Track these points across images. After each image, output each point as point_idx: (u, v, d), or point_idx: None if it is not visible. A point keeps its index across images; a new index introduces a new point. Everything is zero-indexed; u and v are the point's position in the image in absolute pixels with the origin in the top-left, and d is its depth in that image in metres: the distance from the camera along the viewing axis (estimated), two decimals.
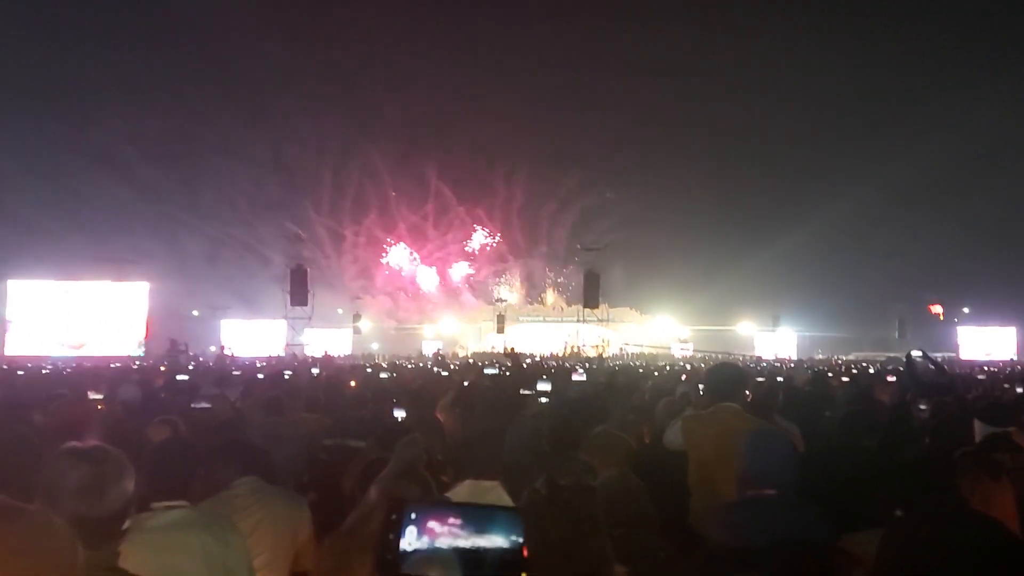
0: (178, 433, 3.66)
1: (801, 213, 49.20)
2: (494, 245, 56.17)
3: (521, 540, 0.97)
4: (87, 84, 45.39)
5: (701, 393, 5.25)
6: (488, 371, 9.61)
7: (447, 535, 0.97)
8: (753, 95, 50.48)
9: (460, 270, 56.11)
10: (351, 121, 50.81)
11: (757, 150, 51.58)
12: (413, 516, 0.97)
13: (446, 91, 53.61)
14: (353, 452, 4.47)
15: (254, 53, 48.05)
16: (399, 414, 4.75)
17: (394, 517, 0.97)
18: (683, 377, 11.40)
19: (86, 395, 5.90)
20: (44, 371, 15.07)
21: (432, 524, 0.97)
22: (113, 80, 45.69)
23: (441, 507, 0.99)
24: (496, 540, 0.97)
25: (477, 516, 0.98)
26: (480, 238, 56.29)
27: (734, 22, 48.19)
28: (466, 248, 56.20)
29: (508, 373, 11.19)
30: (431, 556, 0.96)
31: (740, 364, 14.64)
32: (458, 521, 0.97)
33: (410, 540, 0.97)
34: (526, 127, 52.15)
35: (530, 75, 52.85)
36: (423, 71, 53.50)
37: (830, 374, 15.00)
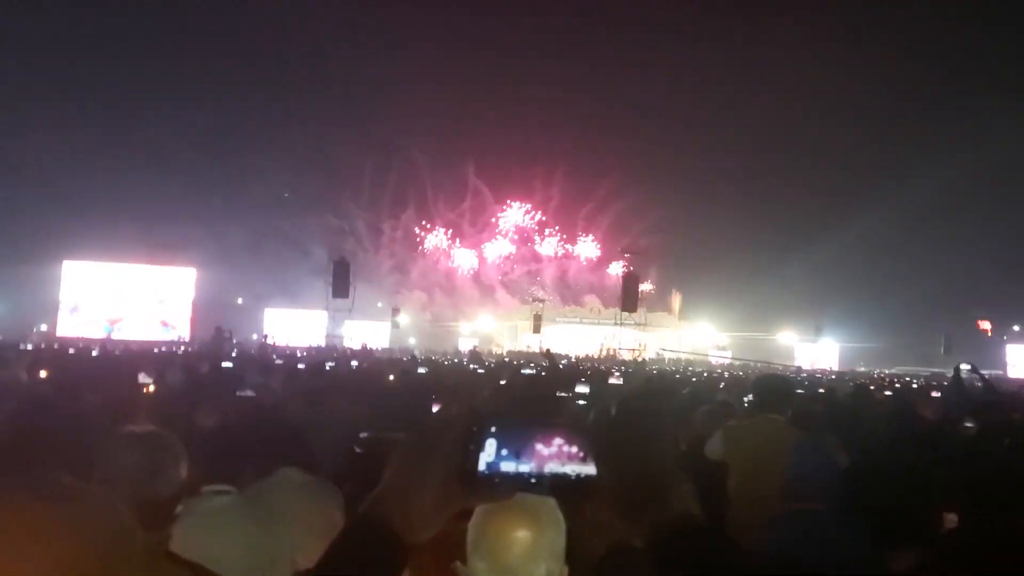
0: (226, 420, 3.73)
1: (846, 219, 48.34)
2: (532, 223, 56.19)
3: (592, 458, 0.99)
4: (141, 83, 47.16)
5: (744, 403, 5.18)
6: (525, 371, 9.60)
7: (526, 449, 0.98)
8: (797, 97, 49.61)
9: (499, 248, 56.00)
10: (392, 118, 51.41)
11: (803, 155, 50.62)
12: (493, 429, 0.98)
13: (485, 91, 53.83)
14: (391, 444, 4.51)
15: (298, 53, 49.10)
16: (435, 408, 4.77)
17: (475, 429, 0.98)
18: (721, 385, 11.25)
19: (136, 378, 6.05)
20: (94, 353, 15.50)
21: (512, 438, 0.98)
22: (164, 78, 47.33)
23: (521, 423, 1.00)
24: (572, 455, 0.98)
25: (554, 433, 1.00)
26: (516, 216, 56.30)
27: (779, 27, 47.38)
28: (500, 227, 56.12)
29: (544, 374, 11.18)
30: (512, 471, 0.97)
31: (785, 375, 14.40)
32: (537, 437, 0.99)
33: (490, 452, 0.98)
34: (565, 128, 52.08)
35: (571, 76, 52.75)
36: (462, 70, 53.84)
37: (872, 387, 14.68)
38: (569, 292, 54.86)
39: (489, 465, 0.97)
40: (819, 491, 2.69)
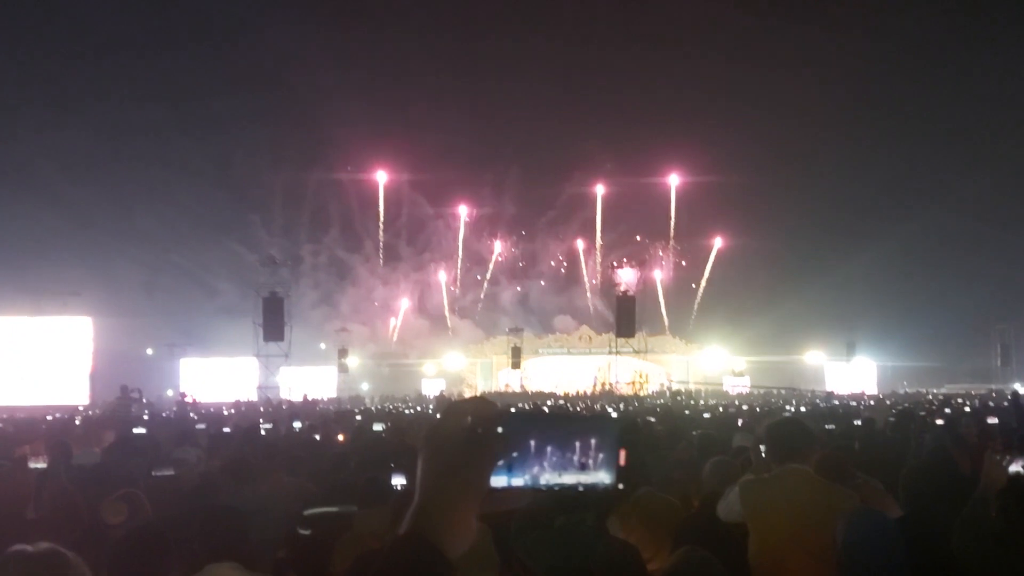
0: (140, 512, 3.72)
1: (882, 222, 49.13)
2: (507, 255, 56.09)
3: (620, 449, 1.12)
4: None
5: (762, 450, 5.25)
6: None
7: (537, 452, 1.10)
8: (823, 91, 50.56)
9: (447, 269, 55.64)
10: (307, 124, 51.00)
11: (829, 150, 51.38)
12: (500, 431, 1.10)
13: (416, 89, 54.00)
14: (341, 522, 4.51)
15: (194, 52, 48.88)
16: (398, 481, 4.79)
17: (480, 431, 1.09)
18: (739, 423, 11.37)
19: (24, 462, 5.97)
20: None
21: (520, 441, 1.10)
22: (33, 85, 46.73)
23: (531, 419, 1.13)
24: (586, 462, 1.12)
25: (569, 427, 1.12)
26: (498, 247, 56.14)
27: (804, 32, 48.51)
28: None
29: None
30: (523, 480, 1.10)
31: (805, 419, 14.68)
32: (549, 436, 1.11)
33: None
34: (527, 119, 52.22)
35: (530, 58, 53.17)
36: (388, 63, 53.99)
37: (922, 413, 14.90)
38: (534, 317, 54.72)
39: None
40: (883, 569, 2.75)
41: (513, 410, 1.12)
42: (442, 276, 55.40)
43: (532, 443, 1.10)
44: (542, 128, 52.21)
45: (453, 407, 1.12)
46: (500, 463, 1.09)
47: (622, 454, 1.12)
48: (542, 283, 56.02)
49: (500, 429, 1.10)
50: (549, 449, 1.10)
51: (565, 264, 56.34)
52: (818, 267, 49.37)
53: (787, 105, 48.14)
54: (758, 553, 3.83)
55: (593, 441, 1.11)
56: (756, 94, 50.29)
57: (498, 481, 1.09)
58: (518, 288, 55.52)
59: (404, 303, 54.28)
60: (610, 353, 40.72)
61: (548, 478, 1.10)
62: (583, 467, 1.11)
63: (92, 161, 46.67)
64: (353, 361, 46.51)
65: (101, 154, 47.25)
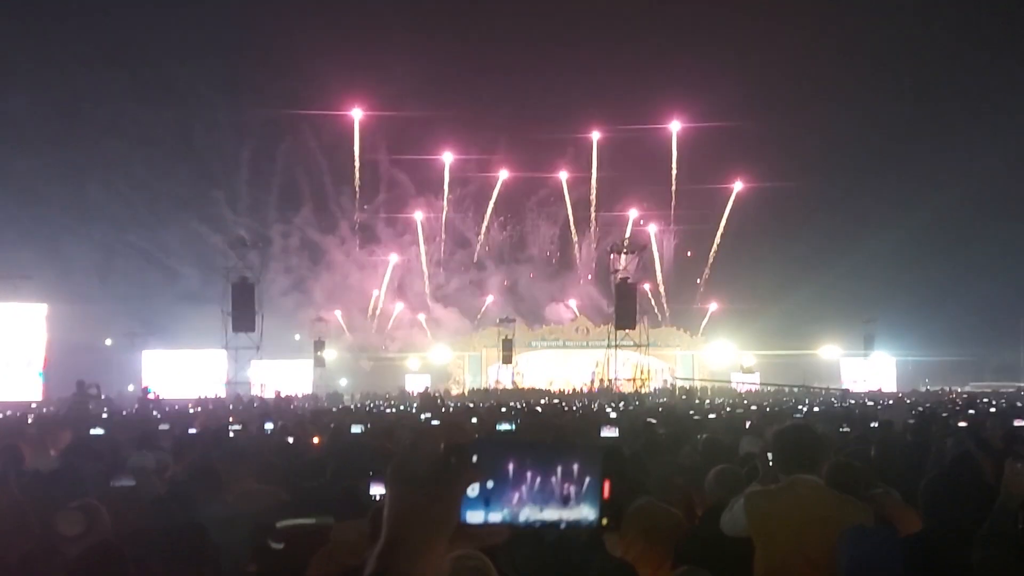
0: (99, 527, 3.72)
1: (901, 204, 49.16)
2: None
3: (605, 480, 1.14)
4: None
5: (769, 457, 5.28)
6: (501, 426, 9.59)
7: (514, 483, 1.12)
8: (840, 69, 50.57)
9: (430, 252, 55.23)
10: (274, 87, 50.28)
11: (845, 132, 51.30)
12: (474, 459, 1.12)
13: (393, 45, 53.17)
14: (316, 535, 4.53)
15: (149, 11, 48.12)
16: (378, 491, 4.80)
17: (453, 461, 1.11)
18: (747, 424, 11.42)
19: None
20: None
21: (497, 470, 1.12)
22: None
23: (507, 446, 1.14)
24: (573, 494, 1.13)
25: (550, 455, 1.14)
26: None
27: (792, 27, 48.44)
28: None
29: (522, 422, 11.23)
30: (501, 514, 1.12)
31: (818, 420, 14.84)
32: (528, 466, 1.13)
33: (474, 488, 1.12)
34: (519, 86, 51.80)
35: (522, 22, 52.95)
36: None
37: (944, 414, 14.99)
38: (524, 305, 54.57)
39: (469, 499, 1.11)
40: None
41: (487, 436, 1.13)
42: (423, 260, 55.11)
43: (511, 470, 1.11)
44: (532, 74, 52.18)
45: (423, 436, 1.13)
46: (476, 495, 1.10)
47: (606, 486, 1.14)
48: (531, 275, 55.83)
49: (475, 458, 1.11)
50: (528, 478, 1.11)
51: (558, 252, 56.24)
52: (832, 253, 49.49)
53: (806, 77, 48.20)
54: (764, 571, 3.87)
55: (575, 469, 1.12)
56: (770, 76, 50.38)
57: (474, 516, 1.10)
58: (505, 282, 55.38)
59: (384, 288, 54.04)
60: (609, 347, 40.70)
61: (528, 514, 1.11)
62: (565, 500, 1.12)
63: (39, 132, 46.11)
64: (331, 354, 46.51)
65: (49, 124, 46.75)
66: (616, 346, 39.51)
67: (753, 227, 51.03)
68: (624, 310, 37.48)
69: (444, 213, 54.94)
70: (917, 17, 47.86)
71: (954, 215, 47.99)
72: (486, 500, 1.11)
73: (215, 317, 36.30)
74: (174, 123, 47.72)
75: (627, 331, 38.64)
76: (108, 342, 47.72)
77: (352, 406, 27.84)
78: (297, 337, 48.20)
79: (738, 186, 52.46)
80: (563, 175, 54.71)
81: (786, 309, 47.84)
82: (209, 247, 44.94)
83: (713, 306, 53.13)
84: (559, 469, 1.12)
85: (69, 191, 46.45)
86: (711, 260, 53.74)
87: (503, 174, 53.99)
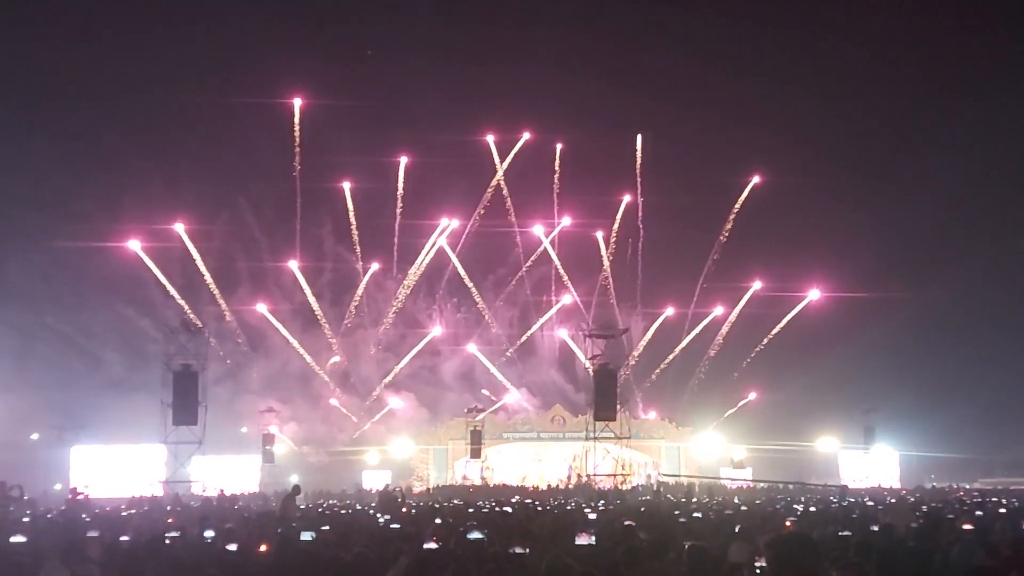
0: None
1: (906, 287, 49.63)
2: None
3: None
4: None
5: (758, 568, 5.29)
6: (472, 535, 9.45)
7: None
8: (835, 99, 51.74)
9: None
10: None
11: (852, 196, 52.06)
12: None
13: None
14: None
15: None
16: None
17: None
18: (736, 529, 11.40)
19: None
20: None
21: None
22: None
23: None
24: None
25: None
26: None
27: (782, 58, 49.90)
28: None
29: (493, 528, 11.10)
30: None
31: (815, 520, 14.84)
32: None
33: None
34: None
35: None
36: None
37: (950, 515, 15.01)
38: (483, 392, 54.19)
39: None
40: None
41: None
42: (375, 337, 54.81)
43: None
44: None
45: None
46: None
47: None
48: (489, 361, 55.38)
49: None
50: None
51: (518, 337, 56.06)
52: (832, 339, 49.87)
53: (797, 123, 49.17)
54: None
55: None
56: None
57: None
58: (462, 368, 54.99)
59: (337, 373, 53.68)
60: (587, 439, 40.33)
61: None
62: None
63: None
64: (280, 448, 45.88)
65: None
66: (596, 438, 39.10)
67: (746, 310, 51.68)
68: (604, 400, 37.28)
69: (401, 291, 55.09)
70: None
71: (963, 301, 48.60)
72: None
73: (147, 407, 35.80)
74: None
75: (607, 423, 38.39)
76: (35, 436, 46.86)
77: (301, 506, 27.40)
78: (244, 430, 47.60)
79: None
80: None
81: (781, 398, 48.01)
82: (136, 331, 44.71)
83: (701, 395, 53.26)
84: None
85: None
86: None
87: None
